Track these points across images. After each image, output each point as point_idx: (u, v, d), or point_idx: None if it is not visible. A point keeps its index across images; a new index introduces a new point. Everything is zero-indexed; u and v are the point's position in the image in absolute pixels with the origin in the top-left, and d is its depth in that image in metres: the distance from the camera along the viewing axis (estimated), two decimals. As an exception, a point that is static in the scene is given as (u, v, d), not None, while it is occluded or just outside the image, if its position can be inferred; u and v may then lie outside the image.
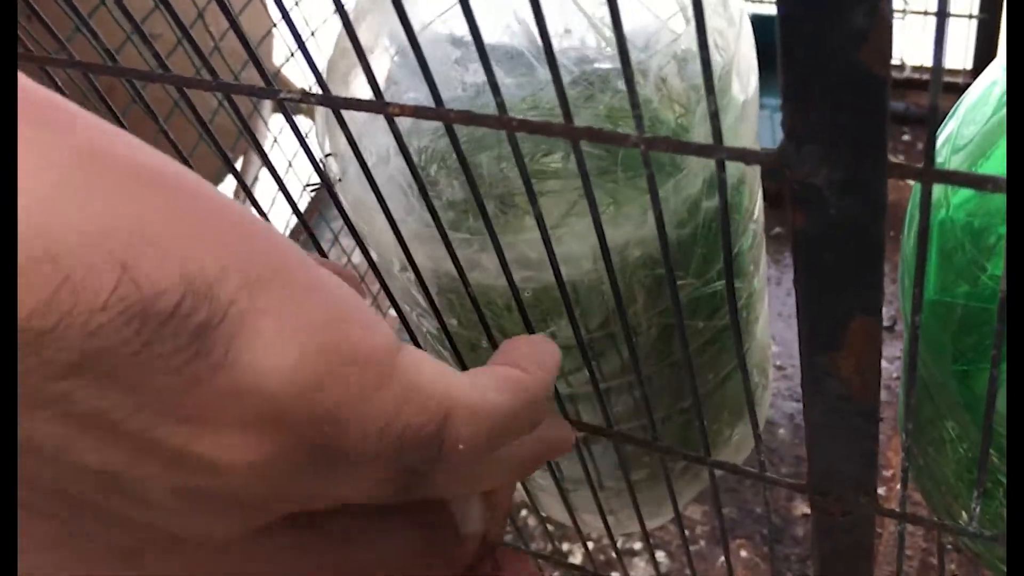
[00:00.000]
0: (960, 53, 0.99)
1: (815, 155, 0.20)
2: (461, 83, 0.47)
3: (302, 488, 0.21)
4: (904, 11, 1.02)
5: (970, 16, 0.97)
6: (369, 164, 0.44)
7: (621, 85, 0.46)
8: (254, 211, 0.31)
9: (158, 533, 0.21)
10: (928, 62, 1.04)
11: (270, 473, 0.20)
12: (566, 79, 0.46)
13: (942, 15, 0.18)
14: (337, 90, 0.47)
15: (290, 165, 0.87)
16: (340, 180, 0.42)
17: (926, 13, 0.99)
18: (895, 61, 1.08)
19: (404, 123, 0.46)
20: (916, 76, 1.04)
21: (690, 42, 0.45)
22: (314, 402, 0.19)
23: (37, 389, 0.17)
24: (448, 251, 0.31)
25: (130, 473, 0.19)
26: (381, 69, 0.48)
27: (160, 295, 0.17)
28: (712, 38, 0.43)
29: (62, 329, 0.17)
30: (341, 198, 0.42)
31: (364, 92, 0.46)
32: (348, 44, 0.46)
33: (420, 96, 0.45)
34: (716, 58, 0.43)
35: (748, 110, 0.44)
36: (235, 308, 0.18)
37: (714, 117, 0.21)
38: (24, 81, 0.18)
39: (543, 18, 0.21)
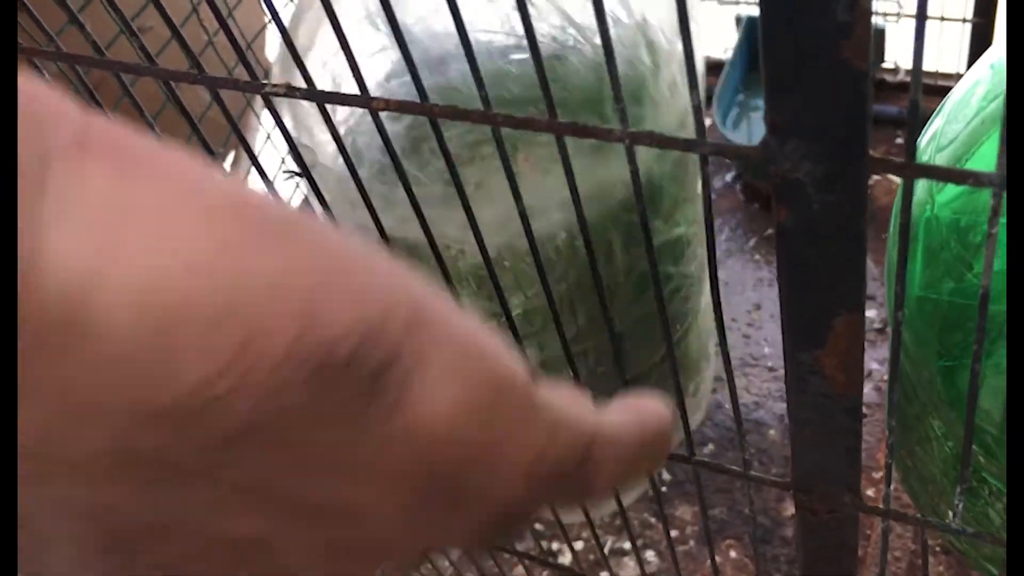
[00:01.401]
0: (954, 57, 1.00)
1: (797, 150, 0.20)
2: (499, 50, 0.47)
3: (447, 525, 0.20)
4: (899, 14, 1.02)
5: (964, 20, 0.97)
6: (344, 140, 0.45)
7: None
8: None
9: None
10: (924, 66, 1.05)
11: (420, 516, 0.19)
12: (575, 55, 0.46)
13: (921, 17, 0.18)
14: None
15: (283, 161, 0.87)
16: (314, 166, 0.42)
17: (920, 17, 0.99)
18: (889, 64, 1.08)
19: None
20: (909, 79, 1.04)
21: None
22: (470, 442, 0.18)
23: (191, 460, 0.16)
24: (420, 222, 0.31)
25: (276, 539, 0.18)
26: (384, 63, 0.48)
27: (341, 341, 0.16)
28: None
29: (235, 394, 0.15)
30: (330, 181, 0.42)
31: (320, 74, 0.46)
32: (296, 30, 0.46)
33: (428, 85, 0.46)
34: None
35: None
36: (408, 345, 0.17)
37: (697, 111, 0.21)
38: (152, 144, 0.16)
39: (527, 10, 0.21)
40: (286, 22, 0.79)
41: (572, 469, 0.21)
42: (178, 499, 0.17)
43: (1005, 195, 0.19)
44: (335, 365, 0.16)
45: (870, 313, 0.90)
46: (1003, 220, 0.19)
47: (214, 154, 0.32)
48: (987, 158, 0.33)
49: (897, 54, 1.09)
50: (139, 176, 0.15)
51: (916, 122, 0.19)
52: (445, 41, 0.44)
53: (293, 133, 0.44)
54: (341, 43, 0.25)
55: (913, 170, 0.20)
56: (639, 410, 0.24)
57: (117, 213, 0.14)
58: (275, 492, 0.17)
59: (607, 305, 0.29)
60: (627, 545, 0.79)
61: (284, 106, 0.44)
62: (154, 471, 0.16)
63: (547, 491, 0.20)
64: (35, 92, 0.15)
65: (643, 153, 0.41)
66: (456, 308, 0.19)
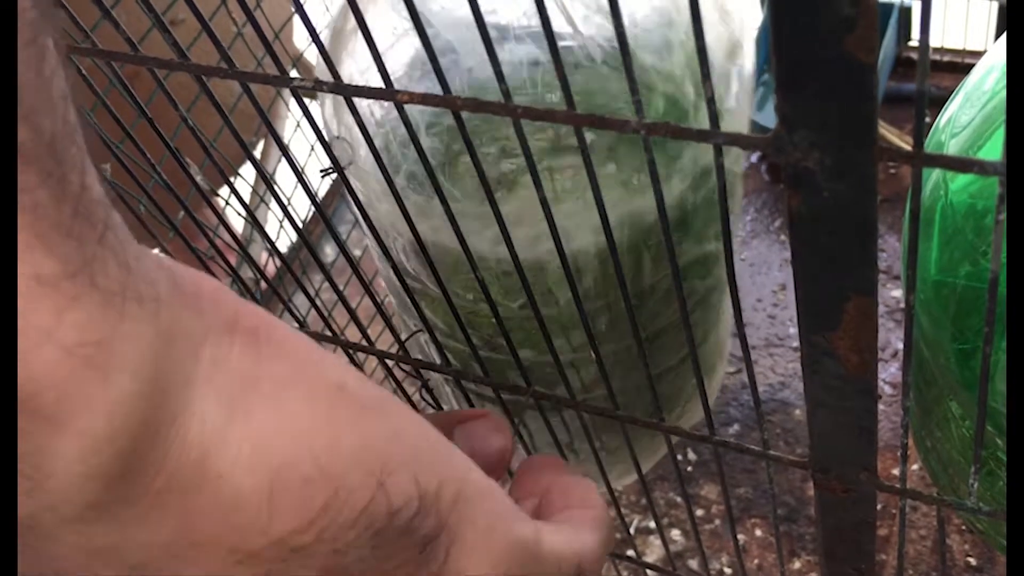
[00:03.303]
0: (981, 35, 0.99)
1: (806, 140, 0.21)
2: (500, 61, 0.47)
3: None
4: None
5: (992, -2, 0.96)
6: (394, 145, 0.45)
7: (648, 58, 0.46)
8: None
9: None
10: (949, 43, 1.04)
11: None
12: (599, 56, 0.46)
13: (926, 4, 0.18)
14: (341, 62, 0.47)
15: (312, 149, 0.88)
16: (351, 164, 0.42)
17: (946, -6, 0.99)
18: (913, 43, 1.07)
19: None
20: (936, 57, 1.03)
21: (703, 19, 0.45)
22: None
23: None
24: (455, 232, 0.31)
25: None
26: (409, 46, 0.48)
27: (401, 510, 0.19)
28: (717, 11, 0.44)
29: (313, 547, 0.18)
30: (364, 181, 0.43)
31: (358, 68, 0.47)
32: (345, 26, 0.47)
33: (454, 79, 0.46)
34: (721, 29, 0.44)
35: (746, 86, 0.45)
36: (452, 519, 0.20)
37: (710, 102, 0.22)
38: (281, 322, 0.20)
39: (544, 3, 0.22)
40: (324, 9, 0.79)
41: None
42: None
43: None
44: (396, 529, 0.19)
45: (896, 293, 0.90)
46: (1009, 206, 0.20)
47: (248, 148, 0.33)
48: (1000, 144, 0.34)
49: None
50: (270, 356, 0.19)
51: (923, 110, 0.20)
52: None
53: (332, 126, 0.45)
54: (365, 36, 0.26)
55: (920, 159, 0.20)
56: (596, 521, 0.29)
57: (248, 386, 0.18)
58: None
59: (636, 320, 0.30)
60: (652, 524, 0.80)
61: (327, 99, 0.45)
62: None
63: None
64: (201, 281, 0.19)
65: (676, 184, 0.42)
66: (484, 483, 0.23)
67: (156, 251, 0.20)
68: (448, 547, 0.20)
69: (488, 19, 0.24)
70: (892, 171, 1.00)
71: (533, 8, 0.48)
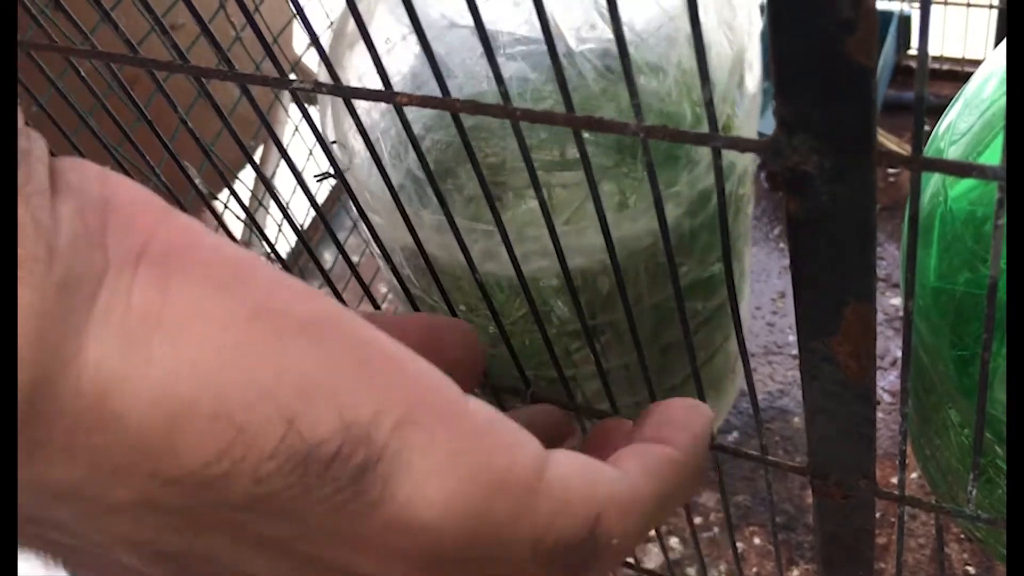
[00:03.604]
0: (981, 44, 0.99)
1: (805, 144, 0.21)
2: (488, 76, 0.47)
3: None
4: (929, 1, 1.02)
5: (990, 6, 0.97)
6: (384, 156, 0.46)
7: (643, 80, 0.47)
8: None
9: None
10: (949, 51, 1.04)
11: None
12: (590, 73, 0.46)
13: (925, 5, 0.18)
14: (340, 69, 0.47)
15: (311, 153, 0.88)
16: (348, 169, 0.42)
17: (946, 3, 0.99)
18: (912, 51, 1.07)
19: (426, 116, 0.47)
20: (936, 66, 1.03)
21: (708, 35, 0.45)
22: (467, 530, 0.21)
23: (211, 516, 0.19)
24: (458, 242, 0.31)
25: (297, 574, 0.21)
26: (402, 61, 0.48)
27: (322, 443, 0.19)
28: (721, 30, 0.44)
29: (233, 476, 0.18)
30: (355, 188, 0.43)
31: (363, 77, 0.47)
32: (346, 29, 0.47)
33: (450, 88, 0.46)
34: (726, 49, 0.44)
35: (754, 103, 0.45)
36: (390, 449, 0.20)
37: (709, 105, 0.22)
38: (208, 238, 0.20)
39: (543, 8, 0.22)
40: (324, 15, 0.80)
41: (580, 542, 0.22)
42: (208, 542, 0.20)
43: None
44: (317, 462, 0.19)
45: (895, 301, 0.90)
46: (1009, 211, 0.20)
47: (248, 151, 0.32)
48: (999, 150, 0.33)
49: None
50: (180, 285, 0.19)
51: (922, 115, 0.20)
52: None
53: (330, 133, 0.45)
54: (364, 38, 0.26)
55: (919, 163, 0.20)
56: (662, 463, 0.25)
57: (148, 322, 0.18)
58: (288, 548, 0.20)
59: (638, 337, 0.30)
60: (651, 532, 0.80)
61: (327, 106, 0.45)
62: (181, 520, 0.19)
63: (557, 563, 0.22)
64: (113, 199, 0.19)
65: (672, 210, 0.42)
66: (458, 407, 0.21)
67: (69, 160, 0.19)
68: (387, 478, 0.19)
69: (479, 34, 0.24)
70: (891, 179, 1.00)
71: (525, 23, 0.49)
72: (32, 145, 0.18)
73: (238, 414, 0.18)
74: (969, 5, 0.98)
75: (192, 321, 0.18)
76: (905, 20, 1.01)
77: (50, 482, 0.18)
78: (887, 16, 0.99)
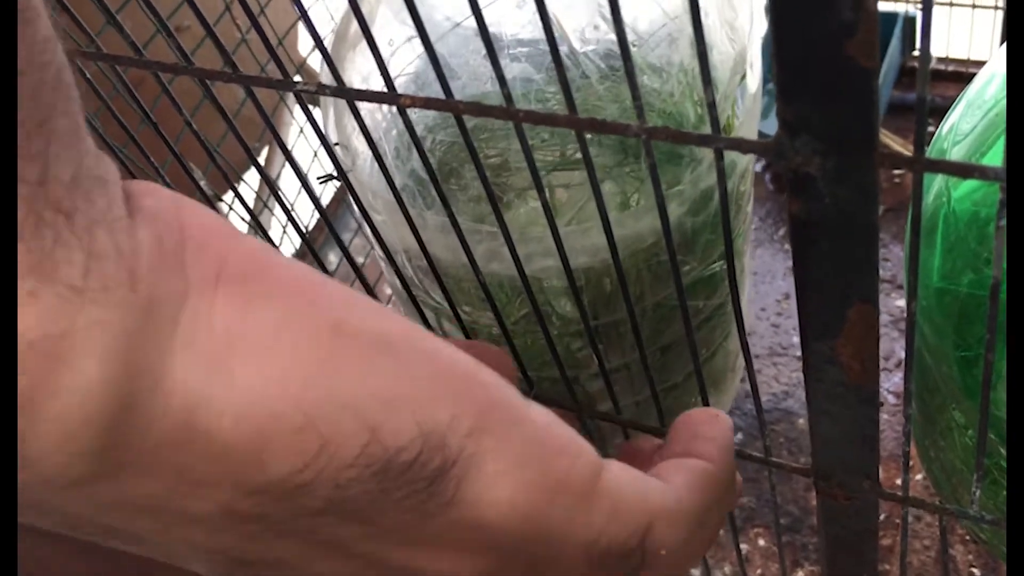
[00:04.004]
0: (986, 45, 0.99)
1: (808, 145, 0.21)
2: (491, 77, 0.47)
3: None
4: (931, 2, 1.01)
5: (995, 7, 0.96)
6: (387, 157, 0.46)
7: (647, 80, 0.47)
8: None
9: None
10: (954, 53, 1.04)
11: None
12: (593, 74, 0.46)
13: (927, 6, 0.18)
14: (343, 71, 0.48)
15: (315, 155, 0.88)
16: (351, 170, 0.43)
17: (951, 4, 0.99)
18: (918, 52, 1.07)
19: (429, 117, 0.47)
20: (941, 67, 1.03)
21: (710, 36, 0.45)
22: (527, 530, 0.22)
23: (288, 522, 0.20)
24: (461, 242, 0.32)
25: None
26: (406, 62, 0.48)
27: (401, 451, 0.20)
28: (723, 30, 0.44)
29: (315, 484, 0.19)
30: (358, 189, 0.43)
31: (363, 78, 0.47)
32: (348, 30, 0.47)
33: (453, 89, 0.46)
34: (728, 50, 0.44)
35: (755, 103, 0.45)
36: (464, 453, 0.21)
37: (711, 107, 0.22)
38: (279, 258, 0.21)
39: (545, 9, 0.22)
40: (328, 17, 0.80)
41: (630, 550, 0.23)
42: (281, 548, 0.21)
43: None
44: (396, 468, 0.20)
45: (900, 303, 0.90)
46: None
47: (253, 154, 0.33)
48: (1002, 151, 0.34)
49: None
50: (258, 304, 0.19)
51: (924, 116, 0.20)
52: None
53: (333, 135, 0.45)
54: (368, 40, 0.26)
55: (921, 164, 0.20)
56: (703, 478, 0.26)
57: (232, 341, 0.19)
58: (353, 550, 0.21)
59: (640, 336, 0.30)
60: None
61: (330, 108, 0.45)
62: (259, 527, 0.20)
63: (608, 568, 0.23)
64: (189, 227, 0.20)
65: (675, 208, 0.42)
66: (524, 410, 0.22)
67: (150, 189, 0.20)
68: (460, 480, 0.21)
69: (482, 35, 0.24)
70: (896, 180, 1.00)
71: (529, 24, 0.49)
72: (108, 171, 0.18)
73: (323, 426, 0.19)
74: (974, 6, 0.98)
75: (274, 340, 0.19)
76: (910, 21, 1.00)
77: (136, 497, 0.19)
78: (892, 17, 0.98)
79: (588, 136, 0.25)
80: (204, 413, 0.18)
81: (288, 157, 0.33)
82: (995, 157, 0.34)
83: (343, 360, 0.20)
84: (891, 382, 0.84)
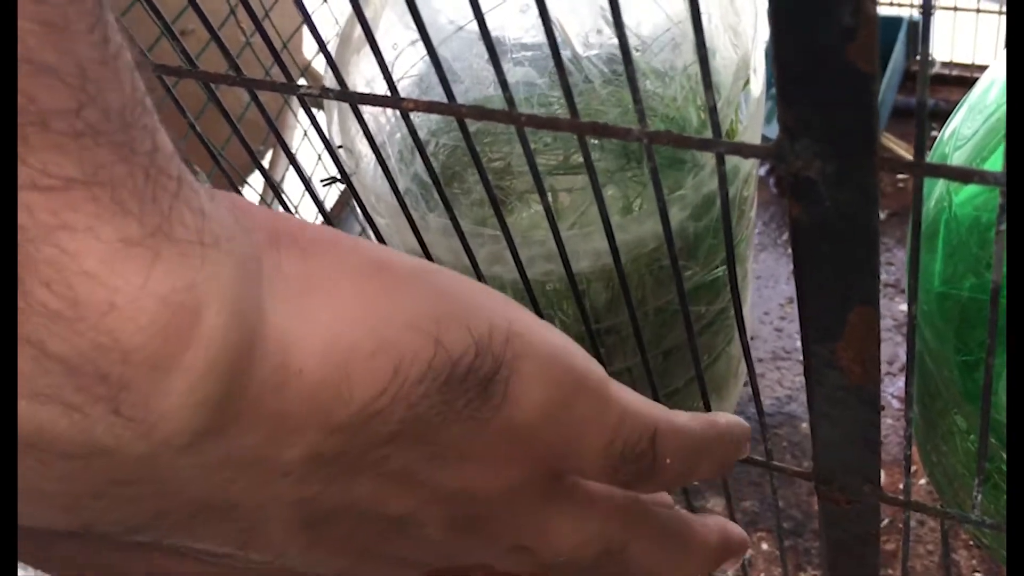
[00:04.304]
0: (990, 50, 0.99)
1: (808, 149, 0.21)
2: (493, 82, 0.48)
3: (537, 512, 0.25)
4: (934, 7, 1.02)
5: (1000, 12, 0.97)
6: (390, 160, 0.46)
7: (650, 84, 0.47)
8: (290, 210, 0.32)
9: (420, 569, 0.25)
10: (958, 57, 1.04)
11: (519, 497, 0.24)
12: (596, 79, 0.47)
13: (927, 11, 0.18)
14: (348, 74, 0.48)
15: (320, 158, 0.88)
16: (354, 173, 0.43)
17: (956, 9, 0.99)
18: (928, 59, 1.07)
19: (432, 120, 0.47)
20: (945, 72, 1.03)
21: (712, 41, 0.46)
22: (558, 426, 0.23)
23: (360, 457, 0.21)
24: (463, 245, 0.32)
25: (418, 515, 0.23)
26: (410, 65, 0.49)
27: (462, 358, 0.21)
28: (727, 35, 0.44)
29: (390, 407, 0.20)
30: (361, 192, 0.44)
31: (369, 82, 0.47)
32: (352, 34, 0.47)
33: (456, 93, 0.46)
34: (731, 54, 0.44)
35: (758, 108, 0.45)
36: (507, 356, 0.22)
37: (712, 111, 0.22)
38: (311, 228, 0.22)
39: (547, 12, 0.22)
40: (334, 21, 0.80)
41: (641, 452, 0.25)
42: (352, 489, 0.22)
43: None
44: (458, 376, 0.21)
45: (904, 307, 0.90)
46: (1011, 216, 0.20)
47: (256, 157, 0.33)
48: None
49: (932, 46, 1.08)
50: (313, 255, 0.21)
51: (924, 120, 0.20)
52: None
53: (336, 139, 0.46)
54: (371, 44, 0.26)
55: (922, 169, 0.20)
56: (708, 418, 0.28)
57: (304, 287, 0.20)
58: (418, 478, 0.22)
59: (642, 341, 0.30)
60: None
61: (334, 111, 0.45)
62: (336, 469, 0.21)
63: (623, 470, 0.25)
64: (239, 202, 0.21)
65: (677, 213, 0.42)
66: (539, 321, 0.24)
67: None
68: (507, 380, 0.22)
69: (484, 40, 0.24)
70: (900, 186, 1.00)
71: (532, 29, 0.49)
72: (174, 149, 0.19)
73: (393, 348, 0.20)
74: (979, 11, 0.98)
75: (335, 281, 0.21)
76: (915, 26, 1.00)
77: (240, 451, 0.19)
78: (896, 22, 0.99)
79: (591, 141, 0.25)
80: (296, 353, 0.19)
81: (291, 160, 0.34)
82: (996, 162, 0.34)
83: (394, 288, 0.21)
84: (895, 387, 0.84)
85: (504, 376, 0.22)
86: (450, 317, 0.22)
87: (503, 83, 0.24)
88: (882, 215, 0.97)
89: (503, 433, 0.22)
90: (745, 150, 0.22)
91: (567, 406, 0.23)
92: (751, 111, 0.44)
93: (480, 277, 0.32)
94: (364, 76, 0.46)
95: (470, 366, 0.21)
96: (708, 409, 0.33)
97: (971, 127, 0.35)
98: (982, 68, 1.01)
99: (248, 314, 0.19)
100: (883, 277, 0.92)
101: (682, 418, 0.27)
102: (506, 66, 0.47)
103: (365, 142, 0.43)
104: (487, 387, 0.22)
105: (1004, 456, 0.37)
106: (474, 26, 0.48)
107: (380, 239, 0.34)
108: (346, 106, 0.44)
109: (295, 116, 0.92)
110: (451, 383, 0.21)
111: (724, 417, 0.29)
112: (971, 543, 0.71)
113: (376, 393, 0.20)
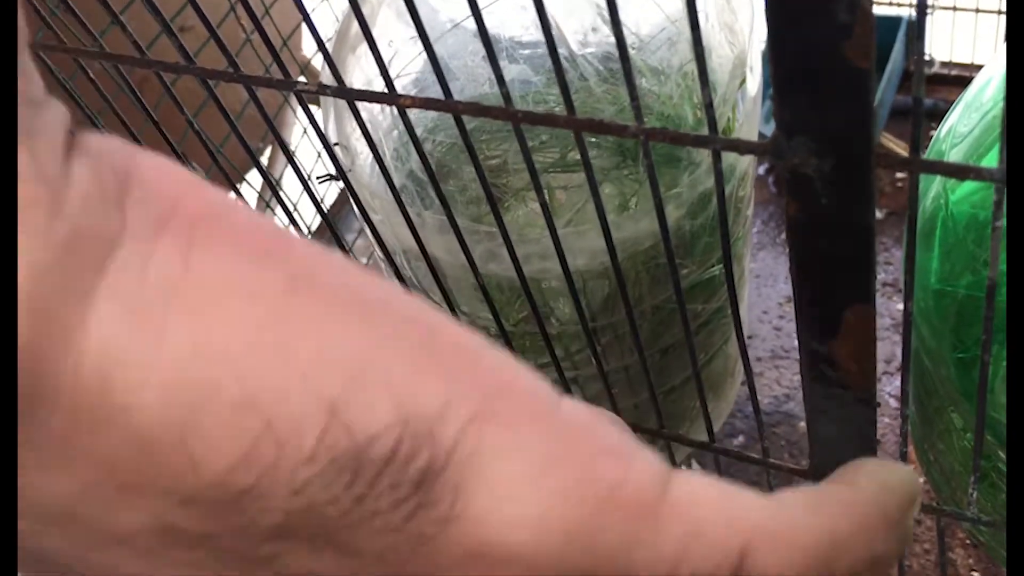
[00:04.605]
0: (989, 49, 0.99)
1: (804, 146, 0.21)
2: (489, 79, 0.48)
3: None
4: (932, 6, 1.02)
5: (999, 12, 0.97)
6: (387, 157, 0.46)
7: (646, 83, 0.47)
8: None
9: None
10: (957, 57, 1.04)
11: None
12: (592, 76, 0.47)
13: (922, 7, 0.18)
14: (346, 71, 0.48)
15: (319, 156, 0.88)
16: (350, 170, 0.43)
17: (955, 9, 0.99)
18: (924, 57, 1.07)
19: (428, 117, 0.47)
20: (944, 72, 1.03)
21: (709, 39, 0.46)
22: (571, 558, 0.16)
23: (243, 547, 0.16)
24: (460, 242, 0.32)
25: None
26: (407, 62, 0.49)
27: (374, 440, 0.15)
28: (723, 33, 0.44)
29: (265, 486, 0.15)
30: (357, 190, 0.44)
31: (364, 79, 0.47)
32: (349, 31, 0.47)
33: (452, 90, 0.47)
34: (727, 52, 0.44)
35: (755, 107, 0.45)
36: (461, 449, 0.16)
37: (708, 108, 0.22)
38: (242, 209, 0.17)
39: (544, 11, 0.22)
40: (333, 18, 0.80)
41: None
42: None
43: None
44: (370, 464, 0.15)
45: (902, 306, 0.90)
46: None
47: (255, 155, 0.33)
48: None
49: (931, 45, 1.08)
50: (207, 255, 0.16)
51: (920, 117, 0.20)
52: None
53: (333, 136, 0.46)
54: (368, 42, 0.26)
55: (917, 165, 0.20)
56: (831, 499, 0.21)
57: (166, 295, 0.15)
58: None
59: (639, 339, 0.30)
60: None
61: (330, 109, 0.45)
62: (205, 554, 0.16)
63: None
64: (138, 167, 0.16)
65: (672, 211, 0.42)
66: (549, 404, 0.17)
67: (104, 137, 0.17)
68: (459, 486, 0.16)
69: (481, 37, 0.24)
70: (898, 184, 1.00)
71: (531, 27, 0.49)
72: (51, 104, 0.16)
73: (267, 402, 0.15)
74: (978, 11, 0.98)
75: (216, 293, 0.15)
76: (915, 26, 1.00)
77: (44, 498, 0.15)
78: (896, 21, 0.99)
79: (587, 138, 0.25)
80: (124, 381, 0.14)
81: (289, 157, 0.34)
82: (993, 159, 0.34)
83: (298, 321, 0.15)
84: (892, 386, 0.84)
85: (453, 479, 0.16)
86: (372, 377, 0.15)
87: (499, 79, 0.24)
88: (880, 214, 0.97)
89: (474, 555, 0.16)
90: (741, 146, 0.22)
91: (585, 528, 0.16)
92: (747, 109, 0.45)
93: (476, 275, 0.32)
94: (363, 73, 0.46)
95: (389, 455, 0.15)
96: (705, 407, 0.33)
97: (967, 124, 0.35)
98: (981, 68, 1.01)
99: (57, 311, 0.14)
100: (881, 276, 0.92)
101: (794, 518, 0.19)
102: (502, 63, 0.47)
103: (361, 139, 0.43)
104: (420, 489, 0.15)
105: (1001, 454, 0.37)
106: (470, 23, 0.48)
107: (376, 236, 0.34)
108: (342, 103, 0.44)
109: (294, 114, 0.92)
110: (358, 473, 0.15)
111: (867, 497, 0.21)
112: (968, 542, 0.71)
113: (234, 460, 0.15)
